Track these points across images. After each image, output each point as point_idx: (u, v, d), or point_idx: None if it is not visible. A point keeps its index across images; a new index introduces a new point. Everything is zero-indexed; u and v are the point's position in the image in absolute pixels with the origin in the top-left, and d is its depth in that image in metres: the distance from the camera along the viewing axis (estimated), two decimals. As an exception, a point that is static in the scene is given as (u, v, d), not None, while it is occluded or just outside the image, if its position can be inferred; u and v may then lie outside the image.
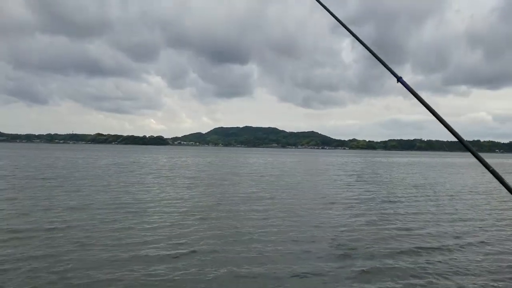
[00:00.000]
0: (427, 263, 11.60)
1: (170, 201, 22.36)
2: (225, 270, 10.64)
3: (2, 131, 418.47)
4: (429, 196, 27.46)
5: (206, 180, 35.86)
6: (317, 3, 4.12)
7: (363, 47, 3.33)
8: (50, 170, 44.13)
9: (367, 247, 13.20)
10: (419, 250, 12.94)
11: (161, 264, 10.99)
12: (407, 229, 16.07)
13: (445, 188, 33.14)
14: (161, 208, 19.91)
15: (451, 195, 28.08)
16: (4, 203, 20.46)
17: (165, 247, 12.70)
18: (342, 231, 15.50)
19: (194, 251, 12.32)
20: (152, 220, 16.83)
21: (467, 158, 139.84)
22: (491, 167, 2.64)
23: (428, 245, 13.67)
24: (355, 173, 49.54)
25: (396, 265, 11.34)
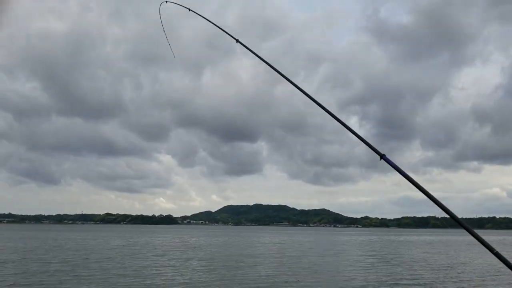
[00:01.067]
0: None
1: (189, 286, 21.36)
2: None
3: (12, 212, 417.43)
4: (458, 278, 26.01)
5: (223, 262, 34.59)
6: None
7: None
8: (62, 253, 43.19)
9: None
10: None
11: None
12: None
13: (471, 269, 31.49)
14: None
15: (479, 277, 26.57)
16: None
17: None
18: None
19: None
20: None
21: (488, 236, 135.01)
22: (495, 249, 2.57)
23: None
24: (375, 253, 47.66)
25: None
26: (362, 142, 3.33)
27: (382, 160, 3.08)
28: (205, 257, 40.13)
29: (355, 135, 3.35)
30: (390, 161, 2.99)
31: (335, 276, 26.13)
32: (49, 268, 28.58)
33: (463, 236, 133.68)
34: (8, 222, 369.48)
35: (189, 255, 41.75)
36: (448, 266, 33.22)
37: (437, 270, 30.48)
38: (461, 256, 44.07)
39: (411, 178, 2.87)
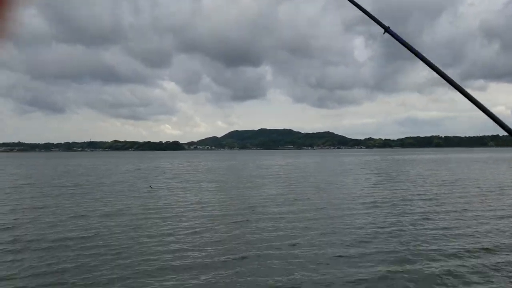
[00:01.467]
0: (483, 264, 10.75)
1: (203, 205, 21.82)
2: (281, 277, 9.99)
3: (21, 141, 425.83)
4: (468, 193, 26.38)
5: (234, 183, 35.29)
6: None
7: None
8: (76, 178, 44.15)
9: (419, 246, 12.39)
10: (477, 250, 12.09)
11: (207, 271, 10.40)
12: (456, 228, 15.19)
13: (477, 183, 31.91)
14: (198, 213, 19.39)
15: (489, 192, 26.93)
16: (38, 211, 20.19)
17: (206, 255, 12.11)
18: (390, 232, 14.70)
19: (244, 257, 11.71)
20: (193, 225, 16.28)
21: (489, 153, 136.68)
22: None
23: (481, 245, 12.79)
24: (382, 172, 48.43)
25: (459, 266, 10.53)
26: (366, 15, 2.77)
27: (386, 34, 2.57)
28: (215, 179, 40.95)
29: (360, 9, 2.77)
30: (396, 34, 2.48)
31: (343, 193, 26.58)
32: (65, 191, 29.28)
33: (467, 154, 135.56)
34: (18, 150, 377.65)
35: (200, 178, 42.62)
36: (454, 181, 33.68)
37: (443, 185, 30.92)
38: (465, 171, 44.66)
39: (418, 52, 2.39)
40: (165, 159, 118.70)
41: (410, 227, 15.49)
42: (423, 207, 20.32)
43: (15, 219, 17.85)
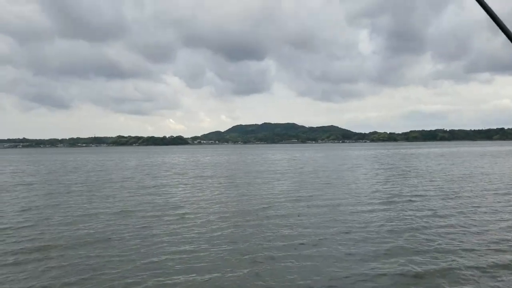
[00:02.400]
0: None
1: (215, 203, 21.54)
2: (299, 278, 9.70)
3: (26, 137, 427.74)
4: (482, 188, 25.98)
5: (244, 179, 34.96)
6: None
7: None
8: (83, 174, 44.02)
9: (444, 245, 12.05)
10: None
11: (216, 270, 10.12)
12: (473, 225, 14.83)
13: (489, 179, 31.47)
14: (211, 211, 19.12)
15: (503, 187, 26.51)
16: (51, 209, 19.99)
17: (219, 252, 11.83)
18: (410, 228, 14.36)
19: (254, 261, 11.42)
20: (207, 224, 16.01)
21: (496, 147, 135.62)
22: None
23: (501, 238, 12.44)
24: (392, 166, 47.99)
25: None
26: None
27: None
28: (224, 174, 40.69)
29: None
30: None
31: (358, 189, 26.23)
32: (74, 188, 29.09)
33: (473, 147, 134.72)
34: (23, 146, 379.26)
35: (209, 173, 42.36)
36: (465, 176, 33.25)
37: (457, 180, 30.52)
38: (477, 165, 44.19)
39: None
40: (171, 154, 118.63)
41: (430, 223, 15.15)
42: (439, 203, 19.95)
43: (27, 218, 17.65)
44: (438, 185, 27.53)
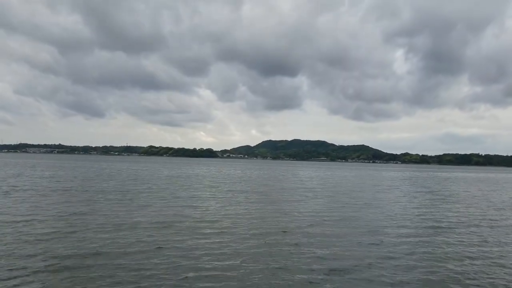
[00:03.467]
0: None
1: (248, 219, 21.29)
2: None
3: (62, 143, 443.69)
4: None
5: (277, 195, 34.56)
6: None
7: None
8: (130, 182, 44.72)
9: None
10: None
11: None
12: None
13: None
14: (243, 228, 18.87)
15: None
16: (89, 216, 20.25)
17: (255, 270, 11.51)
18: (462, 258, 13.63)
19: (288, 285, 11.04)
20: (238, 241, 15.76)
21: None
22: None
23: None
24: (428, 189, 46.47)
25: None
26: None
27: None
28: (257, 189, 40.42)
29: None
30: None
31: (397, 213, 25.40)
32: (110, 196, 29.50)
33: (510, 174, 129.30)
34: (58, 152, 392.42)
35: (241, 188, 42.18)
36: (507, 203, 31.72)
37: (501, 207, 29.15)
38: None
39: None
40: (202, 166, 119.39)
41: (478, 254, 14.37)
42: (486, 231, 18.98)
43: (65, 225, 17.92)
44: (481, 212, 26.33)
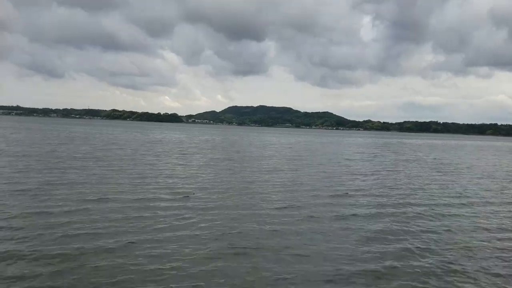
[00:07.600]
0: None
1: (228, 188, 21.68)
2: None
3: (19, 105, 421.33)
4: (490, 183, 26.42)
5: (251, 164, 34.99)
6: None
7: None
8: (110, 147, 43.67)
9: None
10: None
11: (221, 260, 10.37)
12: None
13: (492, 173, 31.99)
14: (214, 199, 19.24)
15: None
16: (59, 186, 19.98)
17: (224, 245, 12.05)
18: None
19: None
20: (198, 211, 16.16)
21: (491, 142, 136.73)
22: None
23: None
24: (405, 156, 48.27)
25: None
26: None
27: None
28: (227, 157, 40.68)
29: None
30: None
31: (395, 181, 26.36)
32: (84, 164, 29.00)
33: (468, 141, 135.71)
34: (16, 114, 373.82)
35: (210, 154, 42.36)
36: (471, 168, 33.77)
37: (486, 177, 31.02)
38: (487, 158, 44.72)
39: None
40: (168, 131, 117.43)
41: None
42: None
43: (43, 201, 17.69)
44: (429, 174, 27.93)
